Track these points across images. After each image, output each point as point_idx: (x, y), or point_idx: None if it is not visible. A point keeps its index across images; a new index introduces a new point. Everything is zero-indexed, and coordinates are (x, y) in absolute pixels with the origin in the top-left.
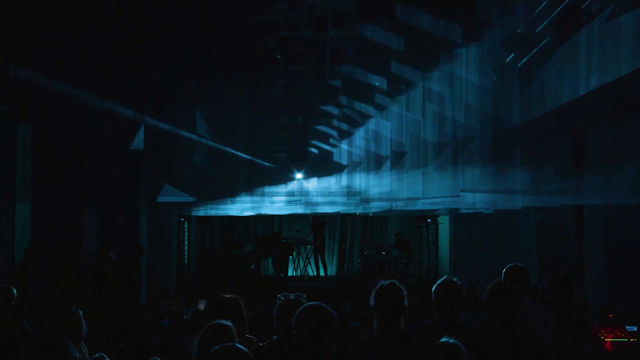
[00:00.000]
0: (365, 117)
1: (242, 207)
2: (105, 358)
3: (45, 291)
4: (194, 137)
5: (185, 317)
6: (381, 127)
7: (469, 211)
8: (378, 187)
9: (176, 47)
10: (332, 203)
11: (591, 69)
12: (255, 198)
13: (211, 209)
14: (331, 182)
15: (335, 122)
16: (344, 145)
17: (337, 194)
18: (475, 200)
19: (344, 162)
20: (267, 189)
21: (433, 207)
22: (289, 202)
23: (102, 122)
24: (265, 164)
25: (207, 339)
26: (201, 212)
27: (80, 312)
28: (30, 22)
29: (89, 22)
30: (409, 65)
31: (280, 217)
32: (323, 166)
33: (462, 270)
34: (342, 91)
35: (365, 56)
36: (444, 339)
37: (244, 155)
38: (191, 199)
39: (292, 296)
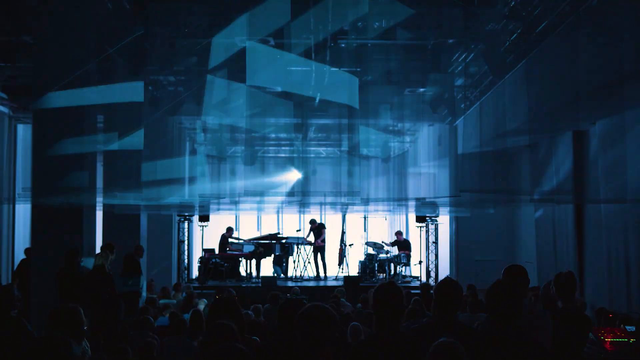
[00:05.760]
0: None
1: (242, 207)
2: (105, 358)
3: (46, 291)
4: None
5: (185, 317)
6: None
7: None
8: (378, 187)
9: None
10: (332, 203)
11: (591, 68)
12: (255, 198)
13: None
14: (331, 182)
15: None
16: (345, 145)
17: (338, 194)
18: (475, 200)
19: (344, 161)
20: (267, 189)
21: (433, 208)
22: (288, 203)
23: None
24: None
25: (210, 339)
26: (201, 211)
27: (81, 309)
28: None
29: None
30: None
31: (280, 217)
32: (323, 166)
33: (462, 270)
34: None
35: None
36: (442, 339)
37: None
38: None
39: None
